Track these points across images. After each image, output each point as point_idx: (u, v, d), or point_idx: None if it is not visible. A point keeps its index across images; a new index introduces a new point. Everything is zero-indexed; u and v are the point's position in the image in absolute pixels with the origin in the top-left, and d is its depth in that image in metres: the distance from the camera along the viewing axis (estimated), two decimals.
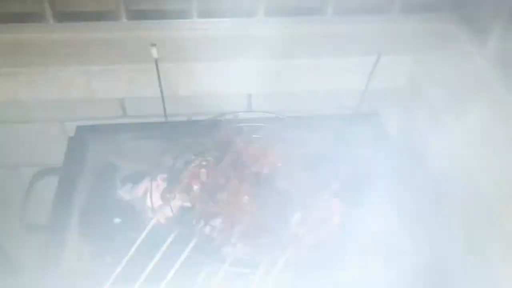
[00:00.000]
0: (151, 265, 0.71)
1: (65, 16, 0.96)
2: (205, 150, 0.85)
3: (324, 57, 0.96)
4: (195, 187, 0.85)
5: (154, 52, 0.76)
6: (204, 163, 0.81)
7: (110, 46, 0.95)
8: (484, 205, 0.74)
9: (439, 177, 0.84)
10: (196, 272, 0.70)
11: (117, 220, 0.87)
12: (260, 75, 0.94)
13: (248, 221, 0.76)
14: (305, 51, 0.97)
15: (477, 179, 0.75)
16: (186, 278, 0.71)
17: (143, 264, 0.71)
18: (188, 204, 0.83)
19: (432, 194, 0.83)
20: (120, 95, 0.97)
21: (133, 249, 0.74)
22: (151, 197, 0.84)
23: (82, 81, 0.92)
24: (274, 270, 0.68)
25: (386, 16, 1.05)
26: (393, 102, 1.03)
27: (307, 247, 0.74)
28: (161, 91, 0.85)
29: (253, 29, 1.00)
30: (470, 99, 0.88)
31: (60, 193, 0.85)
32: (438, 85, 0.91)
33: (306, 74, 0.97)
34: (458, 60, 0.98)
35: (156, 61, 0.80)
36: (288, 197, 0.81)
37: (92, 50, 0.94)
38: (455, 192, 0.79)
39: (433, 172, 0.86)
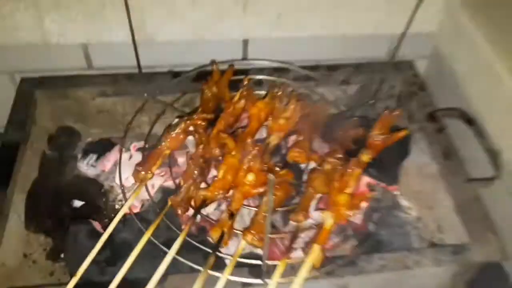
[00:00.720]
0: (124, 270, 0.51)
1: None
2: (192, 110, 0.68)
3: None
4: (179, 161, 0.67)
5: None
6: (191, 128, 0.64)
7: None
8: None
9: None
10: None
11: (76, 204, 0.67)
12: (260, 16, 0.77)
13: (257, 209, 0.56)
14: None
15: None
16: None
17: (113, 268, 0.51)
18: (170, 184, 0.65)
19: None
20: (81, 39, 0.80)
21: (98, 245, 0.53)
22: (120, 173, 0.63)
23: (31, 21, 0.75)
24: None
25: None
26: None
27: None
28: (132, 35, 0.70)
29: None
30: None
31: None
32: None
33: (312, 16, 0.80)
34: None
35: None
36: (308, 175, 0.60)
37: None
38: None
39: None
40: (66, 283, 0.51)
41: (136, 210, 0.66)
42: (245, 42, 0.84)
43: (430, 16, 0.82)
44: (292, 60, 0.84)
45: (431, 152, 0.73)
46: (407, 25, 0.73)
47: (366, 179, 0.69)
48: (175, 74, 0.81)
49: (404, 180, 0.76)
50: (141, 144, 0.71)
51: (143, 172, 0.60)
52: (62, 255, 0.64)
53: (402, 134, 0.67)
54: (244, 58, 0.85)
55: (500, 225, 0.70)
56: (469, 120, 0.72)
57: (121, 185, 0.64)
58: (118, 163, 0.65)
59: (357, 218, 0.65)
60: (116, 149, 0.72)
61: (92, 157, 0.72)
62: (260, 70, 0.80)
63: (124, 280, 0.51)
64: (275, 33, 0.81)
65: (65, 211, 0.67)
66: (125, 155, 0.70)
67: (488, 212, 0.70)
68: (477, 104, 0.75)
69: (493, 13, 0.76)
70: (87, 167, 0.71)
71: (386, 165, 0.70)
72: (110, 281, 0.51)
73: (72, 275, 0.52)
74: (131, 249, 0.53)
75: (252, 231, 0.54)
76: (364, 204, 0.66)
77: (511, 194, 0.69)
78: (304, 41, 0.84)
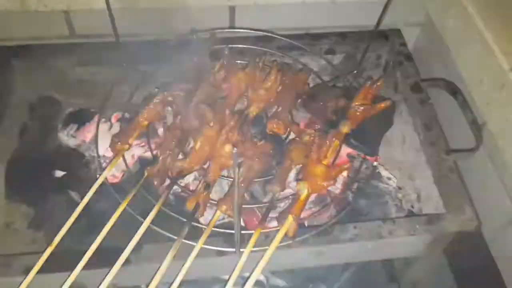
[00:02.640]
0: (99, 239, 0.52)
1: None
2: (172, 80, 0.66)
3: None
4: (159, 131, 0.67)
5: None
6: (170, 98, 0.63)
7: None
8: None
9: None
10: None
11: (57, 174, 0.67)
12: None
13: (232, 180, 0.56)
14: None
15: None
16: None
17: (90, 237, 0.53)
18: (148, 155, 0.65)
19: None
20: (62, 6, 0.77)
21: (74, 215, 0.54)
22: (96, 144, 0.64)
23: None
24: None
25: None
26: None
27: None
28: (107, 2, 0.66)
29: None
30: None
31: None
32: None
33: None
34: None
35: None
36: (286, 146, 0.60)
37: None
38: None
39: None
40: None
41: (116, 181, 0.66)
42: (232, 9, 0.82)
43: None
44: (281, 27, 0.82)
45: (414, 123, 0.73)
46: None
47: (347, 150, 0.69)
48: (157, 43, 0.79)
49: (387, 150, 0.76)
50: (119, 114, 0.71)
51: (119, 143, 0.60)
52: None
53: (383, 105, 0.66)
54: (231, 27, 0.83)
55: (478, 196, 0.70)
56: (454, 91, 0.71)
57: (98, 156, 0.63)
58: (95, 133, 0.65)
59: (336, 188, 0.65)
60: (95, 119, 0.71)
61: (73, 127, 0.71)
62: (245, 39, 0.78)
63: (100, 249, 0.52)
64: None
65: (46, 181, 0.67)
66: (105, 126, 0.70)
67: (466, 182, 0.71)
68: (466, 75, 0.74)
69: None
70: (67, 137, 0.70)
71: (368, 136, 0.70)
72: (86, 250, 0.52)
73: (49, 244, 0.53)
74: (108, 219, 0.54)
75: (226, 202, 0.54)
76: (343, 175, 0.66)
77: (490, 164, 0.69)
78: (293, 8, 0.81)
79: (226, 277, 0.52)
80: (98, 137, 0.64)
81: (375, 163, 0.68)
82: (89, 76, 0.78)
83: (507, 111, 0.63)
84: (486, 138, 0.68)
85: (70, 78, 0.77)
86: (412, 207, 0.71)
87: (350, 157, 0.68)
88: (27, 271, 0.52)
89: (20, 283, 0.51)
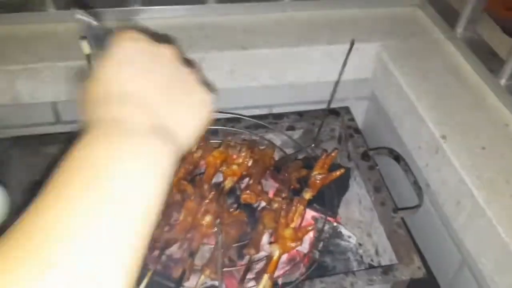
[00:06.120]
0: None
1: None
2: None
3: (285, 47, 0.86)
4: None
5: (85, 46, 0.61)
6: None
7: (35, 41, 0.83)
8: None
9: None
10: None
11: None
12: (213, 69, 0.83)
13: (213, 247, 0.64)
14: (264, 40, 0.85)
15: None
16: None
17: None
18: None
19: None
20: (50, 98, 0.86)
21: None
22: None
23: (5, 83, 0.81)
24: None
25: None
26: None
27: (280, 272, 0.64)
28: None
29: (205, 16, 0.91)
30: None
31: None
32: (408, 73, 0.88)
33: (265, 66, 0.89)
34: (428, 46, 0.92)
35: (88, 57, 0.65)
36: (258, 214, 0.70)
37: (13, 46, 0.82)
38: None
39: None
40: None
41: None
42: None
43: (364, 65, 0.94)
44: (248, 105, 0.94)
45: (366, 187, 0.84)
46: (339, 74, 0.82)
47: (311, 213, 0.79)
48: None
49: (346, 211, 0.87)
50: None
51: None
52: None
53: (338, 173, 0.77)
54: None
55: (429, 246, 0.81)
56: (396, 157, 0.84)
57: None
58: None
59: (304, 248, 0.74)
60: None
61: None
62: (217, 121, 0.89)
63: None
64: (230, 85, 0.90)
65: None
66: None
67: (417, 235, 0.81)
68: (407, 141, 0.87)
69: (416, 63, 0.90)
70: None
71: (329, 199, 0.81)
72: None
73: None
74: None
75: (209, 267, 0.62)
76: (309, 235, 0.75)
77: (437, 218, 0.81)
78: (256, 90, 0.93)
79: None
80: None
81: (335, 224, 0.78)
82: None
83: (442, 172, 0.75)
84: (431, 195, 0.80)
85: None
86: (372, 260, 0.81)
87: (315, 219, 0.78)
88: None
89: None
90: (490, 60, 0.84)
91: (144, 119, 0.34)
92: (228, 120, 0.88)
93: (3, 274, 0.25)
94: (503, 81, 0.80)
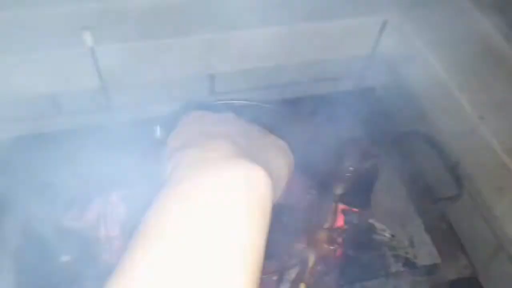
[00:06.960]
0: None
1: None
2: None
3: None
4: None
5: (88, 38, 0.54)
6: None
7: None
8: None
9: None
10: None
11: (64, 258, 0.67)
12: (226, 49, 0.77)
13: None
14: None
15: None
16: None
17: None
18: None
19: None
20: (49, 89, 0.79)
21: None
22: (105, 223, 0.65)
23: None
24: None
25: None
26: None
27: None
28: None
29: None
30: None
31: None
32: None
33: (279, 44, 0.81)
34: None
35: (92, 50, 0.58)
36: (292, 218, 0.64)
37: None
38: None
39: None
40: None
41: None
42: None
43: (385, 40, 0.86)
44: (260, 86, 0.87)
45: (398, 175, 0.78)
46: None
47: (341, 207, 0.73)
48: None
49: (376, 201, 0.81)
50: (123, 193, 0.72)
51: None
52: None
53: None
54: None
55: (466, 240, 0.75)
56: (430, 142, 0.77)
57: (107, 235, 0.65)
58: (103, 213, 0.66)
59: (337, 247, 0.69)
60: (98, 200, 0.72)
61: (76, 210, 0.73)
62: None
63: None
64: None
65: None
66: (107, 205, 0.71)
67: (456, 228, 0.76)
68: (437, 123, 0.80)
69: (443, 35, 0.82)
70: (71, 221, 0.71)
71: (359, 190, 0.75)
72: None
73: None
74: None
75: None
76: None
77: (474, 210, 0.75)
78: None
79: None
80: (106, 217, 0.65)
81: (368, 218, 0.73)
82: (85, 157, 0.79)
83: (480, 157, 0.69)
84: (466, 183, 0.74)
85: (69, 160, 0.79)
86: (407, 253, 0.75)
87: (345, 213, 0.72)
88: None
89: None
90: None
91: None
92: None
93: None
94: None
